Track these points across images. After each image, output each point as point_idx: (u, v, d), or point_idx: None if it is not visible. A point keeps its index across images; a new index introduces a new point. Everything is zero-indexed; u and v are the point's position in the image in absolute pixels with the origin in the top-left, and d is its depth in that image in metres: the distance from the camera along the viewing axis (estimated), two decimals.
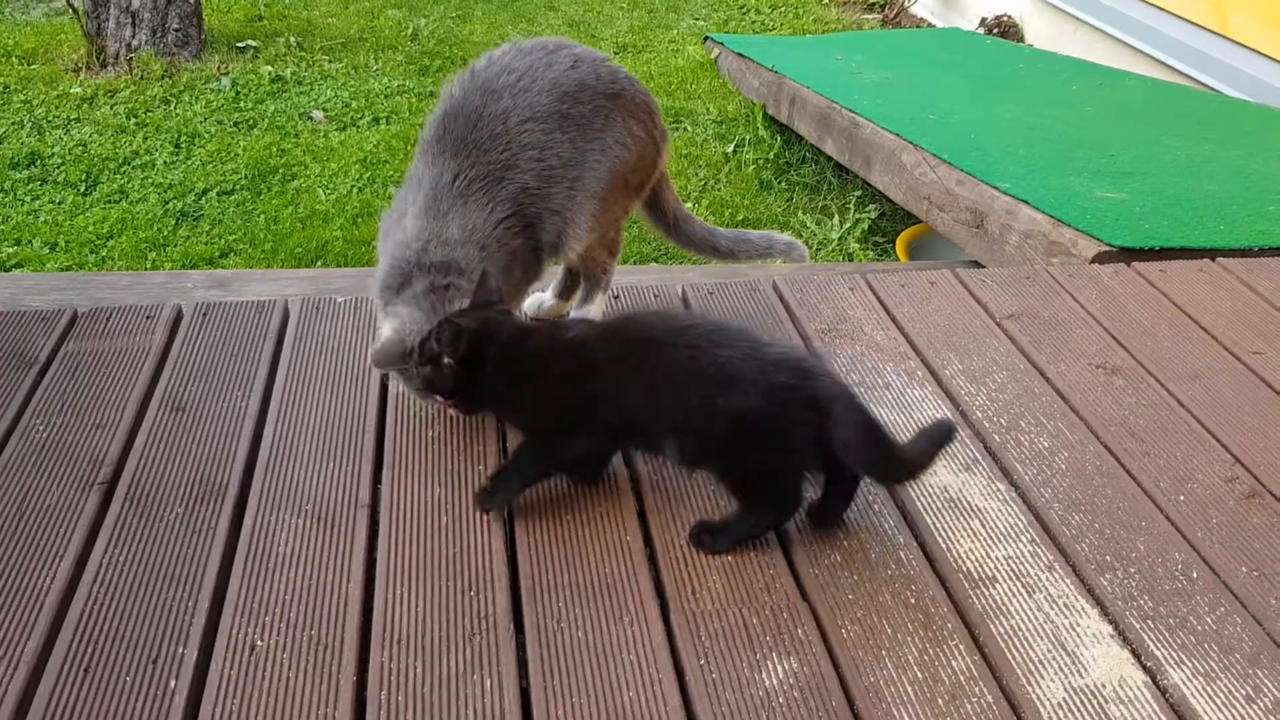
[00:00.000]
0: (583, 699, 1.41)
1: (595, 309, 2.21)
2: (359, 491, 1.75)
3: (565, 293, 2.25)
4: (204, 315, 2.17)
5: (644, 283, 2.40)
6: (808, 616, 1.55)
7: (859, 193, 4.05)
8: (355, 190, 4.24)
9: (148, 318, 2.15)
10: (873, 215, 3.89)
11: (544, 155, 1.92)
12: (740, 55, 4.71)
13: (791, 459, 1.62)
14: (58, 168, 4.34)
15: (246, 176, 4.29)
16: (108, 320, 2.15)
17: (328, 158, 4.46)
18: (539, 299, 2.28)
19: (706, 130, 4.68)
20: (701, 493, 1.77)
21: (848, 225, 3.85)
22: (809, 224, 3.95)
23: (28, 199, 4.13)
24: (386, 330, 1.81)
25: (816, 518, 1.70)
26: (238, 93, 4.96)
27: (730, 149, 4.49)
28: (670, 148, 2.15)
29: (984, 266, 2.83)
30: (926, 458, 1.61)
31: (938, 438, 1.61)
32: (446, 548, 1.64)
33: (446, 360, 1.68)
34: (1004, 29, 5.96)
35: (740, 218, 3.99)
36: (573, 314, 2.22)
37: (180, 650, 1.47)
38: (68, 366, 2.01)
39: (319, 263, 3.78)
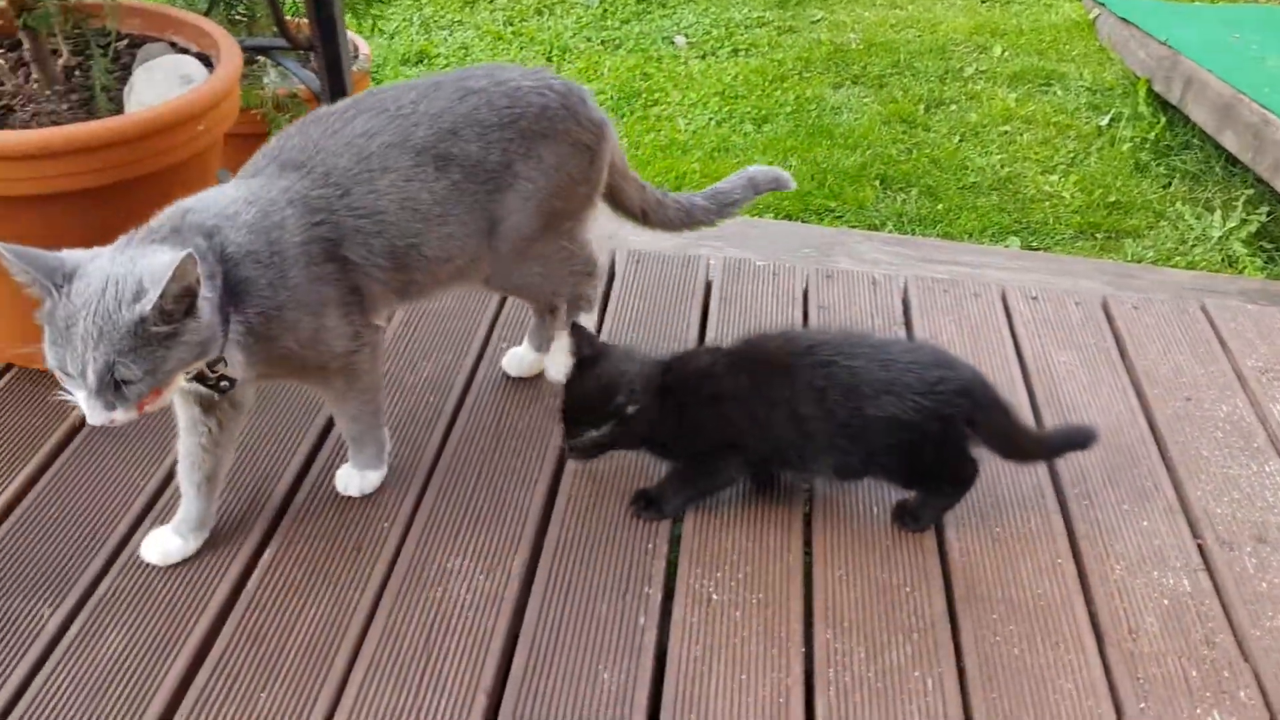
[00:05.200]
0: (1024, 717, 1.48)
1: (558, 345, 1.99)
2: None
3: (544, 343, 2.02)
4: (637, 262, 2.33)
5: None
6: (1250, 679, 1.54)
7: (1250, 190, 3.76)
8: (713, 123, 4.33)
9: None
10: (1263, 218, 3.61)
11: (407, 188, 1.62)
12: (1124, 20, 4.41)
13: (959, 443, 1.69)
14: (442, 68, 4.67)
15: (612, 98, 4.46)
16: None
17: (687, 86, 4.57)
18: (517, 354, 2.05)
19: (1079, 98, 4.44)
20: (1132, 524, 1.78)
21: (1232, 224, 3.60)
22: (1186, 215, 3.72)
23: None
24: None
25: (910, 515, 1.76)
26: (604, 11, 5.13)
27: (1104, 122, 4.25)
28: (612, 138, 1.83)
29: None
30: (1056, 446, 1.82)
31: (1075, 439, 1.79)
32: (880, 539, 1.74)
33: (631, 410, 1.68)
34: None
35: (1111, 199, 3.81)
36: (560, 340, 1.98)
37: (646, 590, 1.65)
38: None
39: None
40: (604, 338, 2.11)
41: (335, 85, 2.39)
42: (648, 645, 1.56)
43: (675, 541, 1.74)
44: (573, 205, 1.81)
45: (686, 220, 2.01)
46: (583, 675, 1.52)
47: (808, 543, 1.73)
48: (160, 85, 2.00)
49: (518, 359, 2.05)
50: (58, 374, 1.37)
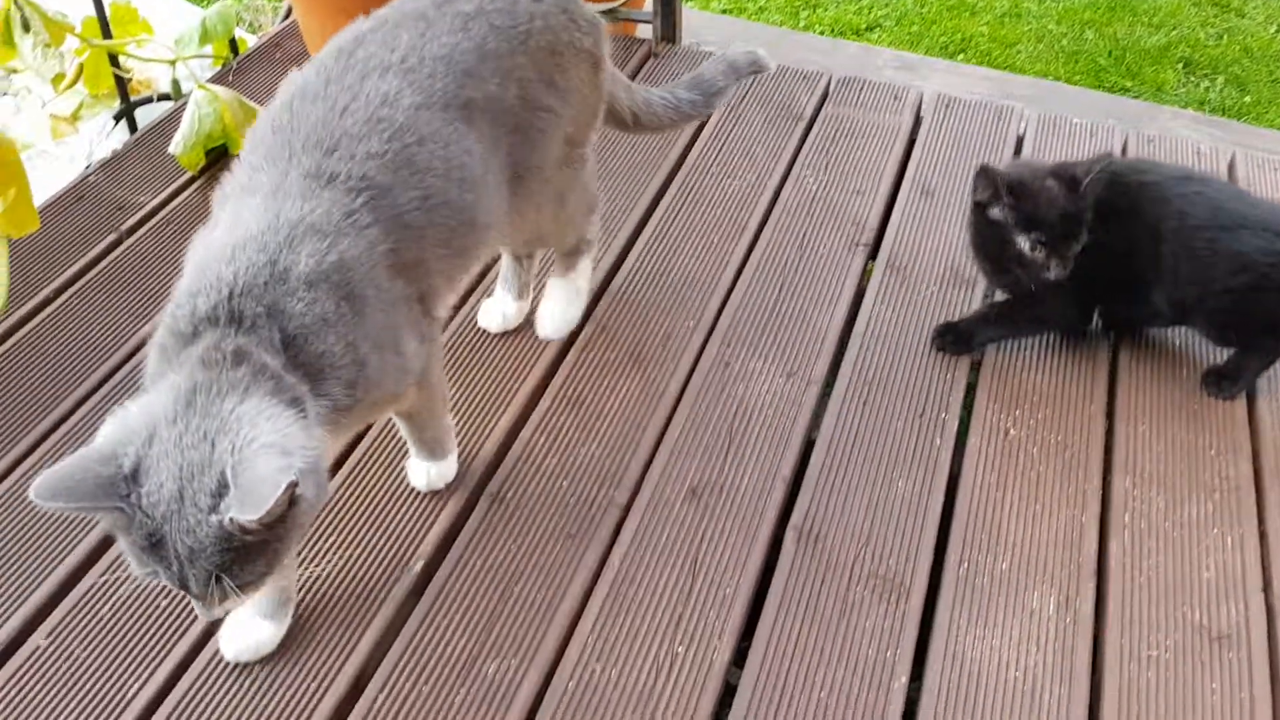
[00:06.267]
0: None
1: (582, 279, 1.80)
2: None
3: (524, 289, 1.81)
4: (946, 107, 2.30)
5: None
6: None
7: None
8: None
9: (895, 98, 2.32)
10: None
11: (450, 155, 1.35)
12: None
13: None
14: None
15: None
16: (860, 91, 2.34)
17: None
18: (497, 309, 1.80)
19: None
20: None
21: None
22: None
23: None
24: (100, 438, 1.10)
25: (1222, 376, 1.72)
26: None
27: None
28: (605, 34, 1.60)
29: None
30: None
31: None
32: (1187, 401, 1.71)
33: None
34: None
35: None
36: (553, 287, 1.80)
37: (943, 416, 1.69)
38: (828, 129, 2.25)
39: (959, 56, 3.79)
40: (906, 184, 2.12)
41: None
42: (942, 464, 1.62)
43: (974, 377, 1.77)
44: (586, 125, 1.61)
45: (676, 116, 1.79)
46: (878, 480, 1.59)
47: (1110, 396, 1.73)
48: None
49: (499, 313, 1.80)
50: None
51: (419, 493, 1.56)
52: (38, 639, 1.38)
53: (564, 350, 1.78)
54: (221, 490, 1.01)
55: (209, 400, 1.05)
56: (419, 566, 1.47)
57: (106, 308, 1.83)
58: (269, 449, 1.01)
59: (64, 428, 1.64)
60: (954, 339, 1.77)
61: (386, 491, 1.55)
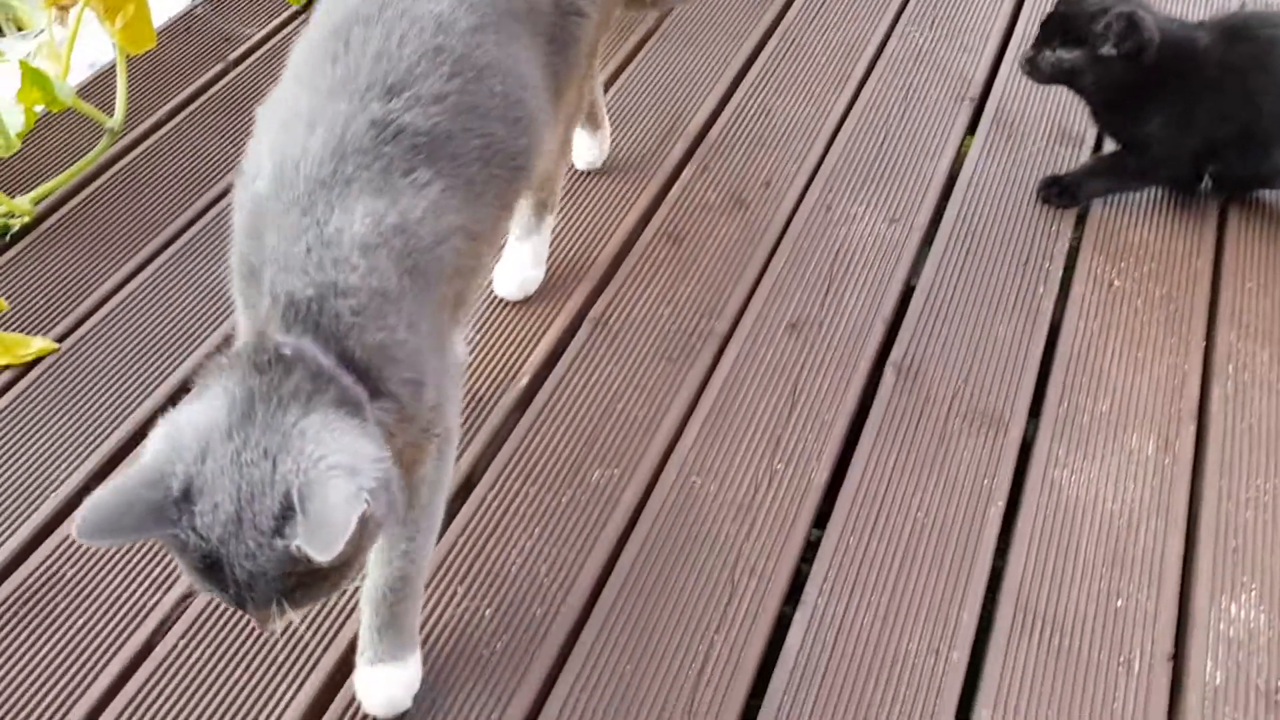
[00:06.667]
0: None
1: (545, 242, 1.60)
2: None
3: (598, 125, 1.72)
4: None
5: None
6: None
7: None
8: None
9: None
10: None
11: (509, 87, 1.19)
12: None
13: None
14: None
15: None
16: None
17: None
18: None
19: None
20: None
21: None
22: None
23: None
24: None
25: None
26: None
27: None
28: None
29: None
30: None
31: None
32: None
33: (1106, 51, 1.61)
34: None
35: None
36: (517, 248, 1.57)
37: (1046, 265, 1.68)
38: None
39: None
40: (1015, 40, 2.07)
41: None
42: (1044, 311, 1.62)
43: (1079, 230, 1.75)
44: (603, 26, 1.44)
45: None
46: (978, 324, 1.59)
47: (1218, 253, 1.70)
48: None
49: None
50: None
51: (521, 317, 1.59)
52: None
53: (664, 190, 1.78)
54: (286, 513, 0.90)
55: (268, 412, 0.92)
56: (524, 381, 1.51)
57: (216, 133, 1.86)
58: (336, 471, 0.90)
59: (173, 247, 1.68)
60: (1060, 191, 1.75)
61: (489, 313, 1.59)
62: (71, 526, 0.89)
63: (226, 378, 0.95)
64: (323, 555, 0.85)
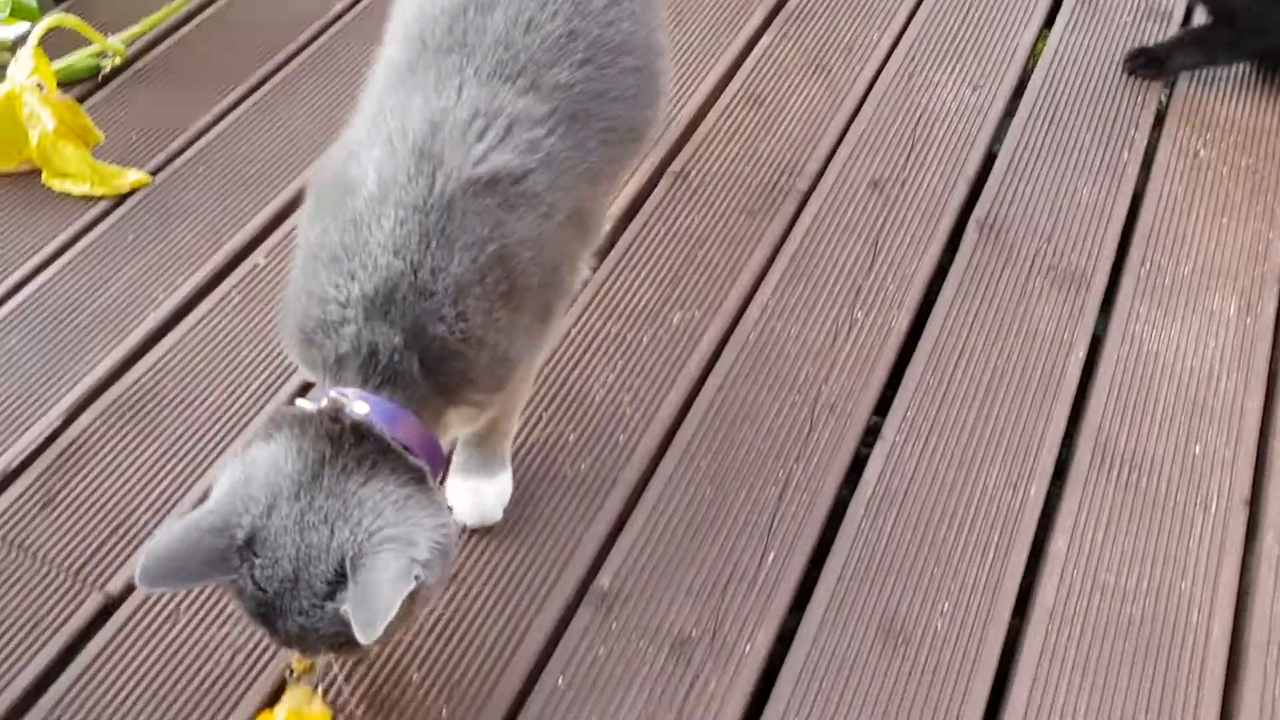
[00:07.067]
0: None
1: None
2: None
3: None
4: None
5: None
6: None
7: None
8: None
9: None
10: None
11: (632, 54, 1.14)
12: None
13: None
14: None
15: None
16: None
17: None
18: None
19: None
20: None
21: None
22: None
23: None
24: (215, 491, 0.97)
25: None
26: None
27: None
28: None
29: None
30: None
31: None
32: None
33: None
34: None
35: None
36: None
37: (1132, 134, 1.66)
38: None
39: None
40: None
41: None
42: (1128, 176, 1.61)
43: (1165, 102, 1.73)
44: None
45: None
46: (1062, 186, 1.59)
47: None
48: None
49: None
50: None
51: None
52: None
53: (743, 54, 1.77)
54: (339, 578, 0.91)
55: (334, 478, 0.93)
56: (606, 228, 1.52)
57: None
58: (391, 544, 0.91)
59: (259, 93, 1.69)
60: (1147, 62, 1.72)
61: None
62: (135, 572, 0.89)
63: (302, 435, 0.95)
64: (365, 636, 0.86)
